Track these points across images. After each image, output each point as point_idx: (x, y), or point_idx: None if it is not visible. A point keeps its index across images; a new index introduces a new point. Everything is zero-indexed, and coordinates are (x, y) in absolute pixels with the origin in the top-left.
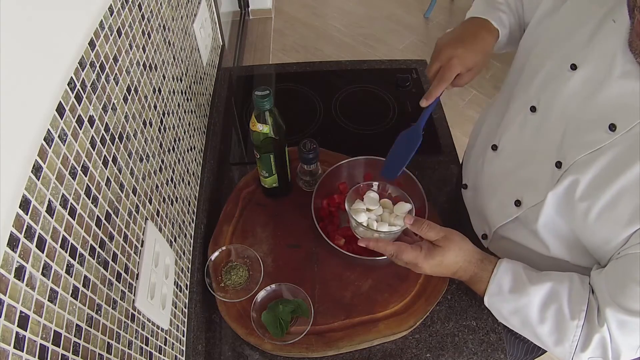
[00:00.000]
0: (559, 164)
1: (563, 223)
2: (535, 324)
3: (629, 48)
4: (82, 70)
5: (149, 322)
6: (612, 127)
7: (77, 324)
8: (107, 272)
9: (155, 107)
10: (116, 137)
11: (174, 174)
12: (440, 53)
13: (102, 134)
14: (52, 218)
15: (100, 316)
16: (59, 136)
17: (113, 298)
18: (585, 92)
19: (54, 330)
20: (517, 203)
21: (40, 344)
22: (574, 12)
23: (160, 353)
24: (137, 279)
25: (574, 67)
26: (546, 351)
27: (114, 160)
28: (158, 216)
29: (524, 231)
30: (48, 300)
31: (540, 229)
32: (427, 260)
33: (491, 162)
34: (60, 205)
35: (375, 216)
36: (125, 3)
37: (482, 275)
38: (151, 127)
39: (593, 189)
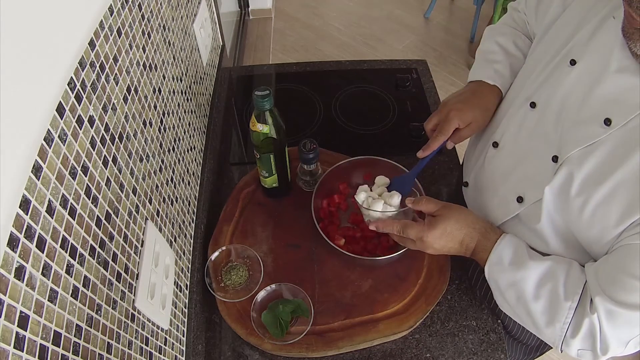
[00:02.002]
0: (555, 158)
1: (560, 219)
2: (530, 299)
3: (622, 33)
4: (82, 70)
5: (149, 322)
6: (607, 122)
7: (77, 324)
8: (107, 272)
9: (155, 107)
10: (116, 137)
11: (174, 174)
12: (441, 109)
13: (102, 134)
14: (52, 218)
15: (100, 316)
16: (59, 136)
17: (113, 298)
18: (582, 86)
19: (54, 330)
20: (520, 199)
21: (40, 344)
22: (578, 12)
23: (160, 353)
24: (137, 279)
25: (573, 62)
26: (545, 352)
27: (114, 160)
28: (158, 216)
29: (524, 229)
30: (48, 300)
31: (540, 227)
32: (431, 231)
33: (492, 159)
34: (60, 205)
35: (373, 197)
36: (125, 3)
37: (486, 244)
38: (151, 127)
39: (588, 184)
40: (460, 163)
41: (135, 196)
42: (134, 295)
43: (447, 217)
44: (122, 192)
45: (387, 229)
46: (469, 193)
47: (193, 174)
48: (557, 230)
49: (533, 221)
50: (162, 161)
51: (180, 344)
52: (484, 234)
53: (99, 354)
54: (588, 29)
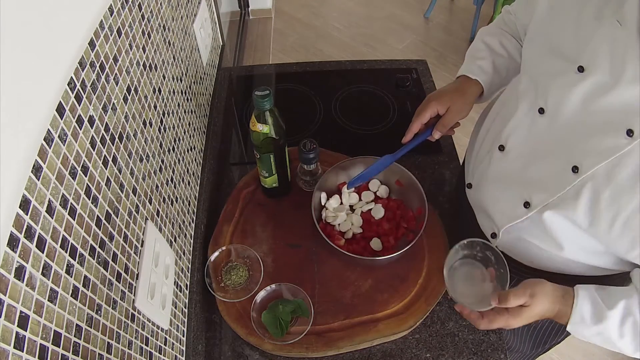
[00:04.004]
0: (575, 169)
1: (581, 230)
2: (616, 340)
3: None
4: (82, 70)
5: (149, 322)
6: (630, 133)
7: (77, 324)
8: (107, 272)
9: (155, 107)
10: (116, 137)
11: (174, 174)
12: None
13: (102, 134)
14: (52, 218)
15: (100, 316)
16: (59, 136)
17: (113, 298)
18: (596, 95)
19: (54, 330)
20: (527, 205)
21: (40, 344)
22: (571, 12)
23: (160, 353)
24: (137, 279)
25: (581, 69)
26: (552, 347)
27: (114, 160)
28: (158, 216)
29: (536, 230)
30: (48, 300)
31: (554, 232)
32: (516, 320)
33: (498, 162)
34: (60, 205)
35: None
36: (125, 3)
37: (566, 310)
38: (151, 127)
39: (618, 197)
40: (461, 163)
41: (135, 196)
42: (134, 295)
43: (533, 306)
44: (122, 192)
45: (474, 323)
46: (473, 195)
47: (193, 174)
48: (577, 238)
49: (544, 224)
50: (162, 161)
51: (180, 344)
52: (562, 301)
53: (99, 354)
54: (586, 30)
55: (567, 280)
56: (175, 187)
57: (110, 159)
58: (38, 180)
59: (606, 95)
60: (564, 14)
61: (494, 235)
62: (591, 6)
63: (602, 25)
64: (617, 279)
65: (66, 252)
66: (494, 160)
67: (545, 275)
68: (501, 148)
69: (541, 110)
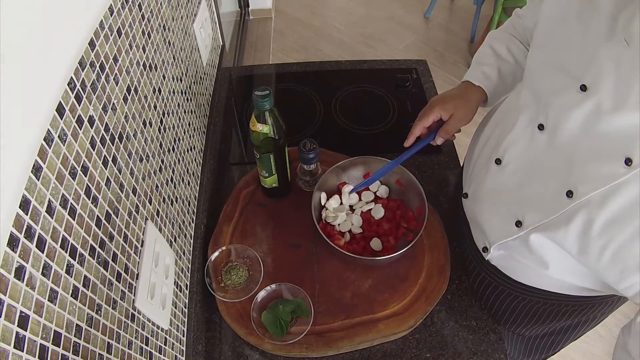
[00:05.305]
0: (570, 193)
1: (570, 257)
2: None
3: None
4: (82, 70)
5: (149, 322)
6: (628, 162)
7: (77, 324)
8: (107, 272)
9: (155, 107)
10: (116, 137)
11: (174, 174)
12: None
13: (102, 134)
14: (52, 218)
15: (100, 316)
16: (59, 136)
17: (113, 298)
18: (596, 118)
19: (54, 330)
20: (518, 224)
21: (40, 344)
22: (576, 25)
23: (160, 353)
24: (137, 279)
25: (584, 88)
26: (548, 357)
27: (114, 160)
28: (158, 216)
29: (523, 248)
30: (48, 300)
31: (541, 252)
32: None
33: (494, 176)
34: (60, 205)
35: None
36: (125, 3)
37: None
38: (151, 127)
39: (611, 226)
40: (461, 165)
41: (135, 196)
42: (134, 295)
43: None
44: (122, 192)
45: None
46: (468, 206)
47: (193, 174)
48: (563, 261)
49: (532, 246)
50: (162, 161)
51: (180, 344)
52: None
53: (99, 354)
54: (591, 47)
55: (556, 298)
56: (175, 187)
57: (110, 159)
58: (38, 180)
59: (607, 119)
60: (569, 25)
61: (485, 250)
62: (598, 21)
63: (608, 43)
64: (605, 301)
65: (66, 252)
66: (490, 174)
67: (534, 292)
68: (498, 161)
69: (541, 127)
